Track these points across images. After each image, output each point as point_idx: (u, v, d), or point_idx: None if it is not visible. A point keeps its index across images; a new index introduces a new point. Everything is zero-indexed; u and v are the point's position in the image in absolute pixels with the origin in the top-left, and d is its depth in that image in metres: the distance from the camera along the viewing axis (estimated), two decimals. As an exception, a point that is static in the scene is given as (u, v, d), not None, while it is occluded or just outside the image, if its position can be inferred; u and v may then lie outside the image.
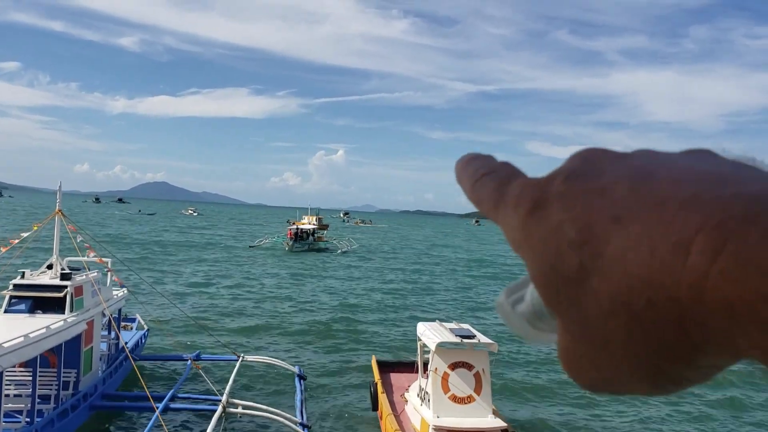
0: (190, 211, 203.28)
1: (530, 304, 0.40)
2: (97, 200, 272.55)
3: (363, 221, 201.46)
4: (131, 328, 20.79)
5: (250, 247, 73.70)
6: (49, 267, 15.25)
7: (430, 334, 13.65)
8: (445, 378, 12.99)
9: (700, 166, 0.38)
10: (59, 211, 15.42)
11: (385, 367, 17.88)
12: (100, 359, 16.19)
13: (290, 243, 71.65)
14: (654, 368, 0.32)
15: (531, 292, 0.39)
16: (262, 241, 78.15)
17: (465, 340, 13.11)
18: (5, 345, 10.85)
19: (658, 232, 0.32)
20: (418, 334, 14.43)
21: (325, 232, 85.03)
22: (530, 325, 0.41)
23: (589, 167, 0.38)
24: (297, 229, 75.06)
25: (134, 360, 16.67)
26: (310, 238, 75.44)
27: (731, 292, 0.31)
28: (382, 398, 15.34)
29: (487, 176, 0.44)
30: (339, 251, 75.18)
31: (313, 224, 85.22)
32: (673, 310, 0.29)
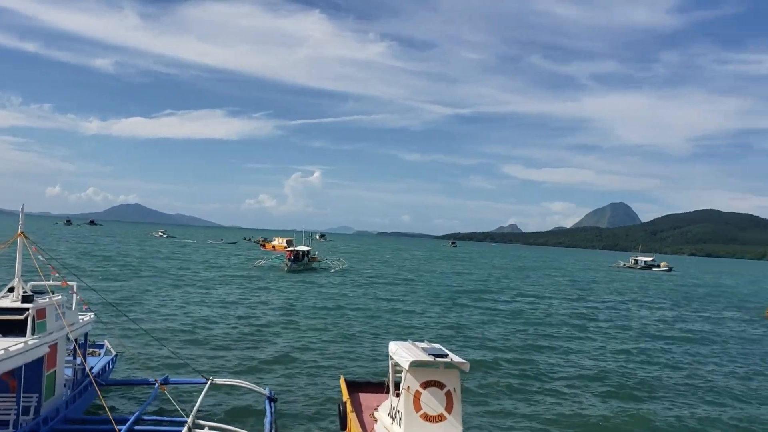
0: (160, 233, 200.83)
1: None
2: (69, 222, 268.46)
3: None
4: (99, 354, 20.34)
5: (252, 267, 79.18)
6: (11, 290, 14.85)
7: (403, 353, 13.56)
8: (417, 397, 12.89)
9: None
10: (22, 233, 15.05)
11: (354, 387, 17.79)
12: (65, 384, 15.74)
13: (288, 263, 77.31)
14: None
15: None
16: (261, 261, 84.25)
17: (438, 359, 13.04)
18: None
19: None
20: (390, 353, 14.31)
21: (318, 252, 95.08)
22: None
23: None
24: (294, 250, 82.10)
25: (100, 385, 16.28)
26: (305, 258, 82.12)
27: None
28: (351, 417, 15.23)
29: None
30: (332, 270, 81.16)
31: (284, 244, 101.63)
32: None
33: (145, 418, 15.65)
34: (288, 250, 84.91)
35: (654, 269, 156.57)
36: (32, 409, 13.68)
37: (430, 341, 14.99)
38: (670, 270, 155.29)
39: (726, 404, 22.79)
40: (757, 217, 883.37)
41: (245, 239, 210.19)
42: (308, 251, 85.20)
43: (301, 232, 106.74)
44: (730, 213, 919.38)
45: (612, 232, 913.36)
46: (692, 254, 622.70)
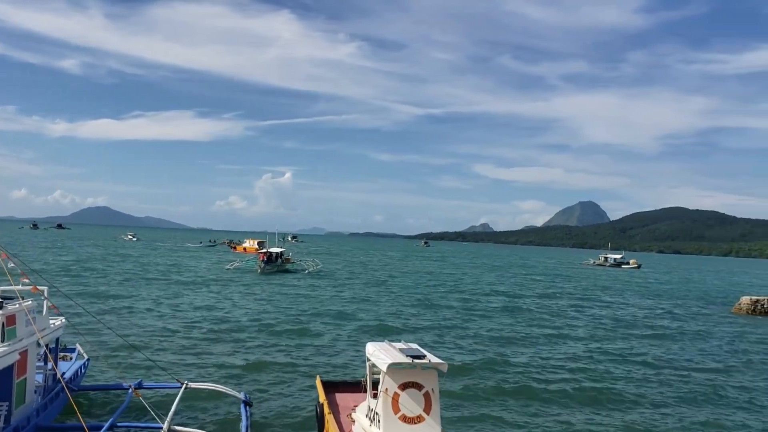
0: (129, 237, 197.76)
1: None
2: (35, 226, 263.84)
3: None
4: (71, 359, 20.00)
5: (226, 269, 78.90)
6: (-21, 296, 14.53)
7: (381, 354, 13.48)
8: (395, 398, 12.85)
9: None
10: (-10, 236, 14.74)
11: (330, 388, 17.66)
12: (35, 391, 15.44)
13: (262, 265, 77.38)
14: None
15: None
16: (234, 263, 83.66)
17: (416, 360, 13.02)
18: None
19: None
20: (368, 354, 14.23)
21: (291, 254, 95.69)
22: None
23: None
24: (268, 252, 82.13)
25: (72, 390, 16.00)
26: (279, 260, 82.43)
27: None
28: (329, 419, 15.12)
29: None
30: (306, 271, 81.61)
31: (255, 246, 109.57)
32: None
33: (120, 425, 15.40)
34: (261, 252, 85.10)
35: (623, 266, 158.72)
36: (2, 418, 13.40)
37: (407, 341, 14.98)
38: (639, 267, 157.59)
39: (696, 403, 23.15)
40: (723, 214, 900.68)
41: (210, 241, 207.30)
42: (282, 252, 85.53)
43: (273, 233, 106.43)
44: (696, 210, 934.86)
45: (581, 230, 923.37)
46: (660, 251, 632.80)
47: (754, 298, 55.82)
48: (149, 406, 15.61)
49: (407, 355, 13.21)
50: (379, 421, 12.94)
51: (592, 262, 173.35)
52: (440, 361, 13.23)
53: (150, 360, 22.82)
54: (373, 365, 13.84)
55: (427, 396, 12.99)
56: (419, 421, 12.84)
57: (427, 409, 12.93)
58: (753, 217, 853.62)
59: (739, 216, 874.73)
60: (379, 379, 13.37)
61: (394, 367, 12.89)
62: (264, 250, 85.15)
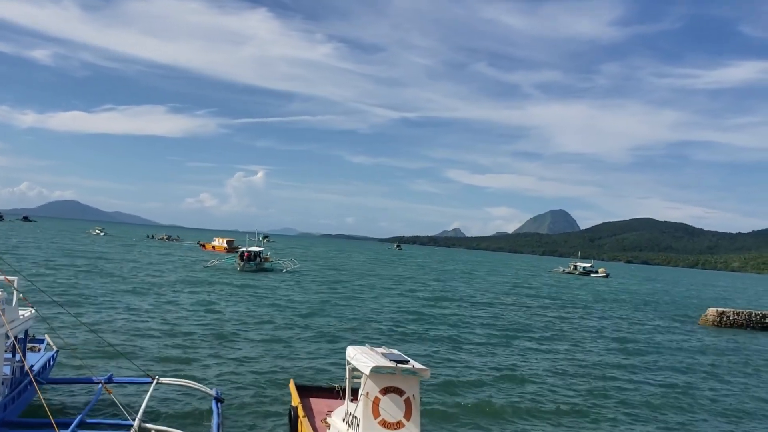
0: (97, 231, 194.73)
1: None
2: (0, 218, 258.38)
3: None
4: (39, 350, 19.51)
5: (204, 267, 79.41)
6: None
7: (363, 358, 13.27)
8: (375, 403, 12.68)
9: None
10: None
11: (304, 392, 17.39)
12: (2, 383, 14.98)
13: (241, 263, 78.76)
14: None
15: None
16: (213, 262, 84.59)
17: (399, 365, 12.85)
18: None
19: None
20: (348, 358, 13.99)
21: (270, 252, 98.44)
22: None
23: None
24: (247, 251, 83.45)
25: (40, 384, 15.55)
26: (258, 258, 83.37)
27: None
28: (303, 422, 14.84)
29: None
30: (284, 270, 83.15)
31: (224, 245, 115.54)
32: None
33: (89, 421, 14.98)
34: (241, 251, 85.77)
35: (592, 275, 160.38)
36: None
37: (388, 347, 14.82)
38: (607, 276, 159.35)
39: (661, 415, 23.29)
40: (691, 226, 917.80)
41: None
42: (260, 252, 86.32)
43: (245, 232, 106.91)
44: (665, 222, 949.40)
45: (552, 238, 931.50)
46: (629, 261, 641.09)
47: (720, 310, 56.72)
48: (119, 403, 15.22)
49: (390, 360, 13.04)
50: (358, 425, 12.77)
51: (561, 270, 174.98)
52: (423, 367, 13.09)
53: (119, 353, 22.37)
54: (354, 369, 13.62)
55: (408, 402, 12.84)
56: (399, 427, 12.68)
57: (408, 414, 12.78)
58: (719, 230, 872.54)
59: (706, 229, 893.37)
60: (358, 384, 13.18)
61: (376, 371, 12.71)
62: (243, 249, 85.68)
